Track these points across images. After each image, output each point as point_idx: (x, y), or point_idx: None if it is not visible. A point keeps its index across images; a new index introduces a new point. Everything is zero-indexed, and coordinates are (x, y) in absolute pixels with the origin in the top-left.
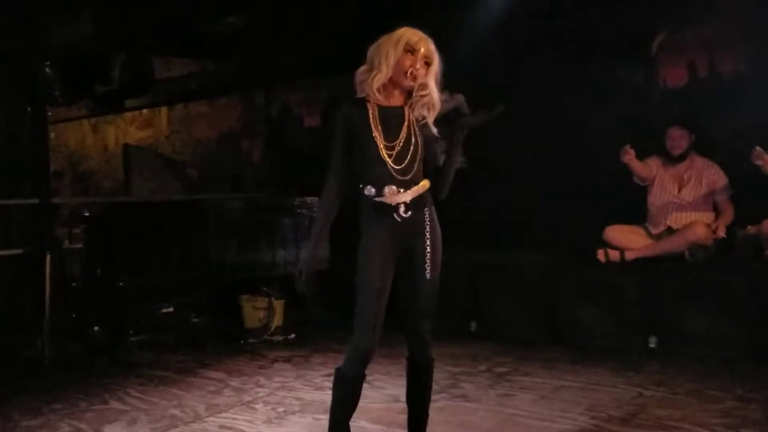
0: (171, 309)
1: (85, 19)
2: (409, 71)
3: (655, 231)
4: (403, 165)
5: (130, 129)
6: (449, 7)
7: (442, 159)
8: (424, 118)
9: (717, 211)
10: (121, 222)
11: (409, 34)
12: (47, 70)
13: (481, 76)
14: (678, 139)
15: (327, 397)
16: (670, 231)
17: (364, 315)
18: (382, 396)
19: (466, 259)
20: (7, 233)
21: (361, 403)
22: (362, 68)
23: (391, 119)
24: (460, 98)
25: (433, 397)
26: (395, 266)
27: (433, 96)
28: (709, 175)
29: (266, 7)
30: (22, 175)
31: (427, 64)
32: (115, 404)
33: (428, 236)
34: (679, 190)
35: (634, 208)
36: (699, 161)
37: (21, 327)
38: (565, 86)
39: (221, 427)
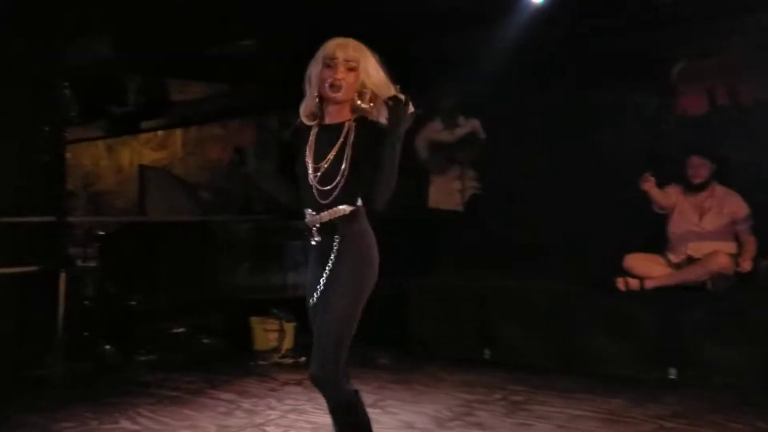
0: (182, 329)
1: (104, 42)
2: (328, 83)
3: (675, 260)
4: (327, 187)
5: (145, 150)
6: (464, 33)
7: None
8: (369, 122)
9: (738, 241)
10: (134, 242)
11: (326, 46)
12: (66, 90)
13: (496, 102)
14: (698, 167)
15: None
16: (690, 260)
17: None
18: (396, 422)
19: (480, 284)
20: (22, 250)
21: (375, 429)
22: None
23: (326, 139)
24: (476, 123)
25: (448, 425)
26: None
27: (377, 89)
28: (731, 205)
29: (279, 30)
30: (38, 194)
31: (352, 69)
32: (125, 423)
33: (329, 267)
34: (700, 218)
35: (653, 236)
36: (719, 190)
37: (32, 344)
38: (582, 112)
39: None
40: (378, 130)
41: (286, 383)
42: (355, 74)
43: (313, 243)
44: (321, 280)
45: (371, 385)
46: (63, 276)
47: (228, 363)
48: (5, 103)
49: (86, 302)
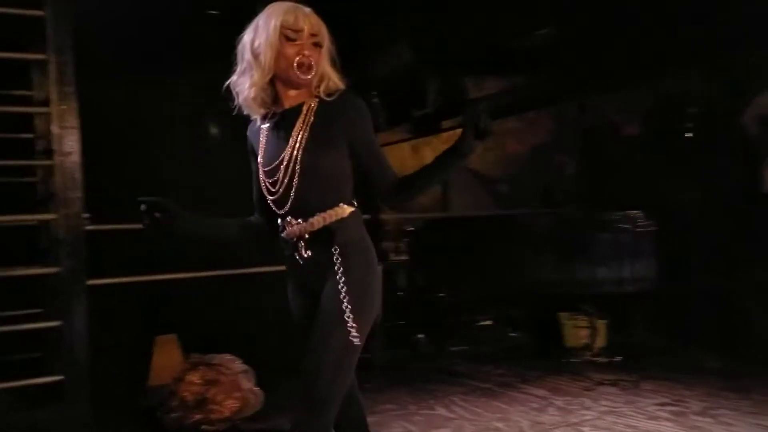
0: (489, 322)
1: (405, 49)
2: (296, 61)
3: None
4: (303, 185)
5: (446, 148)
6: None
7: None
8: (337, 99)
9: None
10: (440, 236)
11: (280, 13)
12: (375, 100)
13: None
14: None
15: (662, 428)
16: None
17: None
18: None
19: None
20: None
21: None
22: (233, 77)
23: (284, 127)
24: None
25: None
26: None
27: (329, 78)
28: None
29: (580, 14)
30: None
31: (317, 45)
32: (441, 411)
33: (326, 289)
34: None
35: None
36: None
37: None
38: None
39: None
40: (356, 107)
41: (600, 383)
42: (320, 53)
43: (299, 260)
44: (309, 308)
45: (698, 391)
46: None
47: (538, 358)
48: None
49: (400, 293)
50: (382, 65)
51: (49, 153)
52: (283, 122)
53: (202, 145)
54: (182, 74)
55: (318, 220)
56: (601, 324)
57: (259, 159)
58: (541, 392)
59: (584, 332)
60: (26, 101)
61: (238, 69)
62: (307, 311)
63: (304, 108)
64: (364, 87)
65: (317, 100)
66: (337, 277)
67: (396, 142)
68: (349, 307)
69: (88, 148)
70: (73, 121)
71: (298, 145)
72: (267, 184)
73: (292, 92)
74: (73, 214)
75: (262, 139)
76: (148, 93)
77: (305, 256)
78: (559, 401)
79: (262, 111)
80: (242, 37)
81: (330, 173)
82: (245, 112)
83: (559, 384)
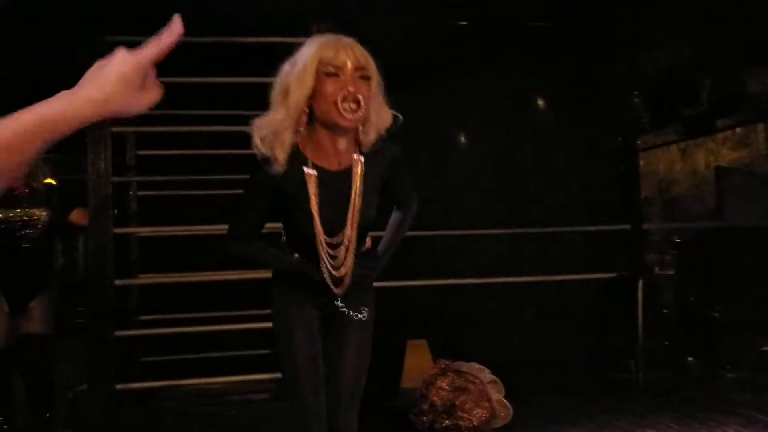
0: None
1: (672, 45)
2: (340, 97)
3: None
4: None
5: (722, 150)
6: None
7: None
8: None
9: None
10: (715, 249)
11: (317, 46)
12: (636, 99)
13: None
14: None
15: None
16: None
17: None
18: None
19: None
20: (599, 257)
21: None
22: (262, 116)
23: (333, 184)
24: None
25: None
26: None
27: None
28: None
29: None
30: (613, 202)
31: (365, 78)
32: None
33: (345, 307)
34: None
35: None
36: None
37: (614, 348)
38: None
39: None
40: (393, 157)
41: None
42: (368, 87)
43: (331, 285)
44: (317, 323)
45: None
46: (641, 283)
47: None
48: (585, 118)
49: (665, 310)
50: (646, 62)
51: None
52: (337, 177)
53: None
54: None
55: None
56: None
57: (314, 207)
58: None
59: None
60: None
61: (269, 112)
62: (316, 322)
63: (358, 169)
64: (624, 86)
65: (362, 156)
66: (366, 301)
67: (662, 145)
68: (368, 322)
69: None
70: None
71: (358, 201)
72: (324, 239)
73: (341, 142)
74: None
75: (312, 187)
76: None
77: (345, 284)
78: None
79: (283, 156)
80: (280, 71)
81: (373, 217)
82: (265, 153)
83: None
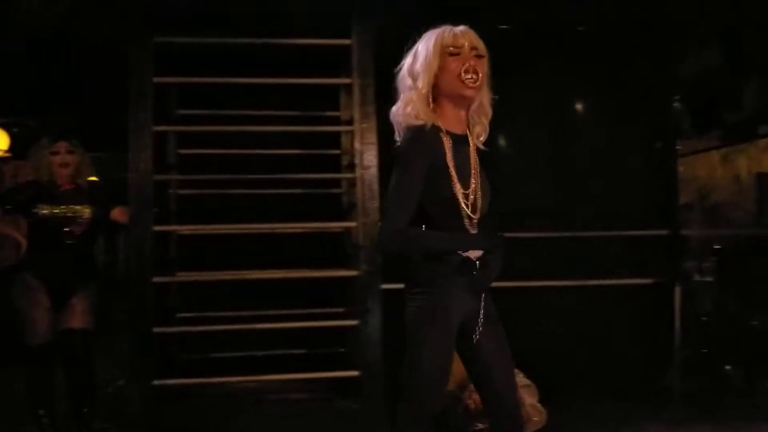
0: None
1: (715, 48)
2: (463, 69)
3: None
4: (479, 214)
5: (764, 157)
6: None
7: None
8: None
9: None
10: (755, 256)
11: (437, 35)
12: (676, 104)
13: None
14: None
15: None
16: None
17: None
18: None
19: None
20: (641, 262)
21: None
22: (394, 107)
23: (462, 151)
24: None
25: None
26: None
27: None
28: None
29: None
30: (655, 207)
31: (479, 56)
32: None
33: (484, 297)
34: None
35: None
36: None
37: (654, 355)
38: None
39: None
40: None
41: None
42: (482, 64)
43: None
44: (479, 312)
45: None
46: (678, 290)
47: None
48: (625, 122)
49: (703, 318)
50: (688, 65)
51: (352, 167)
52: (460, 145)
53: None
54: None
55: None
56: None
57: (454, 176)
58: None
59: None
60: (335, 121)
61: (401, 98)
62: (475, 313)
63: (470, 140)
64: (665, 90)
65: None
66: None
67: (704, 151)
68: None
69: (385, 162)
70: (372, 138)
71: (477, 170)
72: (464, 203)
73: (461, 114)
74: (371, 223)
75: (449, 153)
76: None
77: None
78: None
79: (431, 120)
80: (401, 66)
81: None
82: (413, 123)
83: None
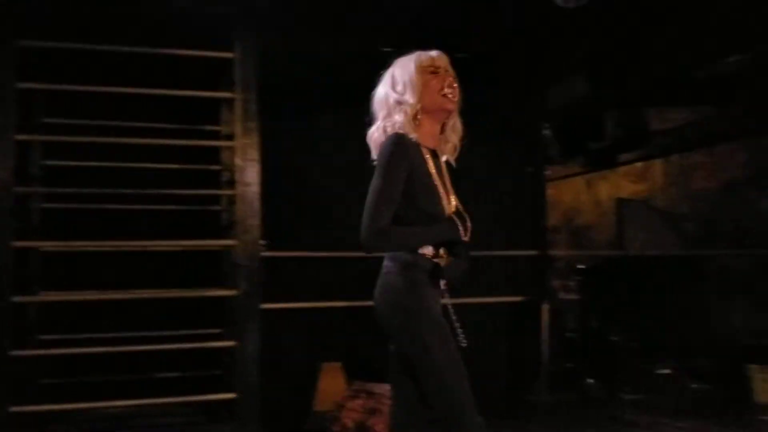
0: (669, 371)
1: (581, 80)
2: (445, 85)
3: None
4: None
5: (624, 183)
6: None
7: None
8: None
9: None
10: (615, 276)
11: (414, 58)
12: (546, 132)
13: None
14: None
15: None
16: None
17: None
18: None
19: None
20: (510, 282)
21: None
22: (371, 129)
23: (438, 166)
24: None
25: None
26: None
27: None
28: None
29: None
30: (523, 229)
31: (453, 76)
32: None
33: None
34: None
35: None
36: None
37: (521, 370)
38: None
39: None
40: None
41: None
42: (457, 82)
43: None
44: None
45: None
46: (545, 307)
47: (723, 413)
48: (497, 148)
49: (568, 334)
50: (556, 96)
51: (232, 183)
52: (435, 159)
53: None
54: (361, 109)
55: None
56: None
57: (436, 179)
58: None
59: None
60: (215, 136)
61: (378, 120)
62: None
63: (443, 160)
64: (535, 118)
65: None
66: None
67: (569, 176)
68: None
69: (267, 180)
70: (254, 154)
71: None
72: (448, 207)
73: (437, 129)
74: (251, 241)
75: (432, 168)
76: (326, 128)
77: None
78: None
79: (415, 135)
80: (377, 92)
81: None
82: (401, 131)
83: None
